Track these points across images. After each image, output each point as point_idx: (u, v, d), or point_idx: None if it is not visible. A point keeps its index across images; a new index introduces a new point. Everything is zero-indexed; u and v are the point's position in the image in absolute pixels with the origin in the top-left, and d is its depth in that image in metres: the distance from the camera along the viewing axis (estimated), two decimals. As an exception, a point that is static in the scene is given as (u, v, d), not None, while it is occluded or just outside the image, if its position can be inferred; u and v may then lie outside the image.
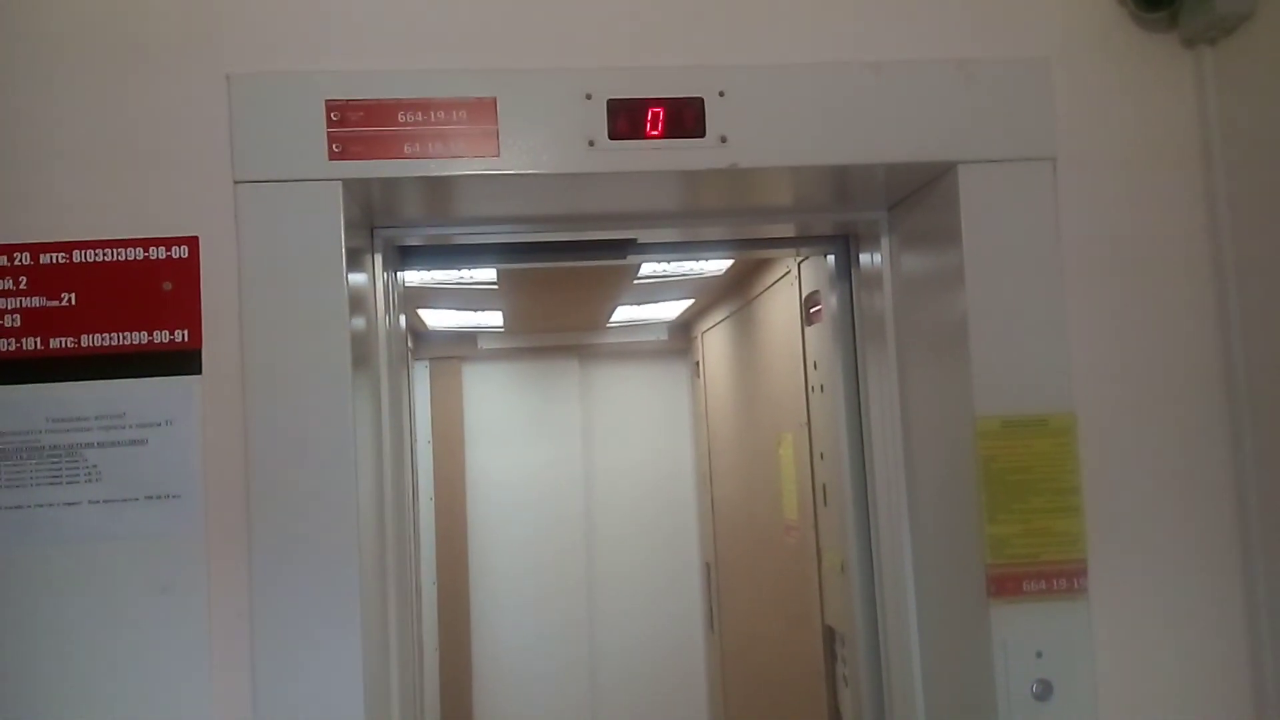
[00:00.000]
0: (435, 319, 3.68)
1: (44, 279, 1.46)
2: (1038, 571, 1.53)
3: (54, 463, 1.44)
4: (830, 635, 2.25)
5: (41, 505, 1.43)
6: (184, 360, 1.46)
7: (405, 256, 1.88)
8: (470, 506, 4.15)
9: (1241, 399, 1.58)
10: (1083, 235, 1.59)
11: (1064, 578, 1.54)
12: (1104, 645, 1.55)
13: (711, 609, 3.93)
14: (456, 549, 4.10)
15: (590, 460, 4.27)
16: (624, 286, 3.17)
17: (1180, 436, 1.61)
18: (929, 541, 1.74)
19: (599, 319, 3.90)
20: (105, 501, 1.44)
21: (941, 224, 1.61)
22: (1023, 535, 1.53)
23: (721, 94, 1.52)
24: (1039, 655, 1.52)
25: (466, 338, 4.09)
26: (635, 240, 1.92)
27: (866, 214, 1.83)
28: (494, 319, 3.78)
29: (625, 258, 1.98)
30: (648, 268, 2.80)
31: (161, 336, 1.46)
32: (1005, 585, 1.53)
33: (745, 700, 3.42)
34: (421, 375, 4.08)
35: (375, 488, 1.64)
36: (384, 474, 1.71)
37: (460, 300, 3.32)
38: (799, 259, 2.34)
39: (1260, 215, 1.55)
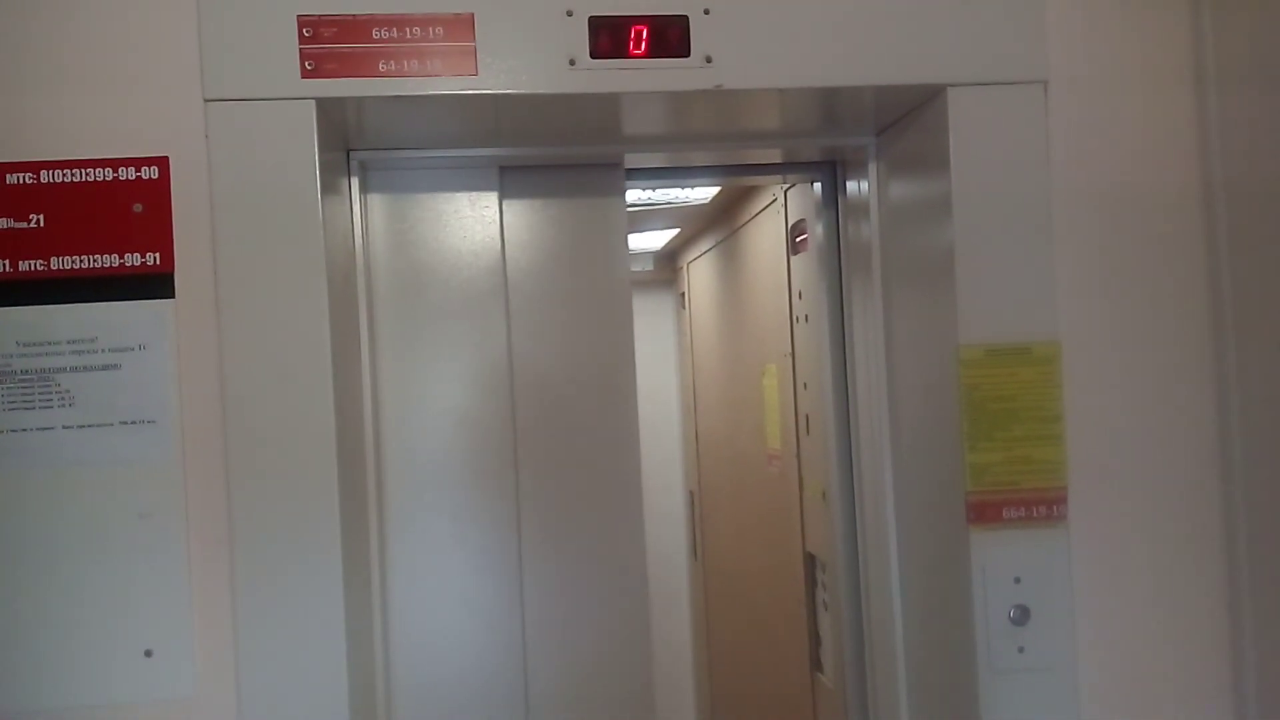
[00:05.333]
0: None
1: (11, 200, 1.42)
2: (1018, 499, 1.54)
3: (25, 387, 1.42)
4: (811, 562, 2.27)
5: (14, 430, 1.41)
6: (156, 284, 1.43)
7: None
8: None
9: (1228, 327, 1.58)
10: (1072, 160, 1.57)
11: (1044, 505, 1.54)
12: (1082, 572, 1.56)
13: (695, 537, 3.97)
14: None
15: (575, 390, 4.26)
16: (609, 215, 3.13)
17: (1165, 366, 1.60)
18: (910, 470, 1.74)
19: (584, 248, 3.85)
20: (80, 427, 1.42)
21: (930, 149, 1.58)
22: (1004, 463, 1.53)
23: (707, 11, 1.48)
24: (1017, 581, 1.53)
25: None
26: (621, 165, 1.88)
27: (854, 139, 1.80)
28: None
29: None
30: (632, 195, 2.75)
31: (133, 259, 1.43)
32: (985, 512, 1.53)
33: (727, 625, 3.46)
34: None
35: (356, 412, 1.63)
36: (365, 399, 1.70)
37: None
38: (785, 187, 2.31)
39: (1253, 139, 1.52)
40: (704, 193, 2.81)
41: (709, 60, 1.48)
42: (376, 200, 1.78)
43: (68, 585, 1.41)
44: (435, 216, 1.79)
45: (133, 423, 1.43)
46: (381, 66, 1.43)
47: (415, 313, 1.78)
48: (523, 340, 1.84)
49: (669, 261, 4.10)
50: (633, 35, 1.47)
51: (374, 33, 1.43)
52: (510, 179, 1.83)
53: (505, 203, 1.82)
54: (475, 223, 1.80)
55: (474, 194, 1.80)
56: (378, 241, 1.77)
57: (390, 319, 1.77)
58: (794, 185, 2.24)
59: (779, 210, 2.39)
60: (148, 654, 1.42)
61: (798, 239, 2.26)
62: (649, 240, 3.74)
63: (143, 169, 1.43)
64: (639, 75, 1.48)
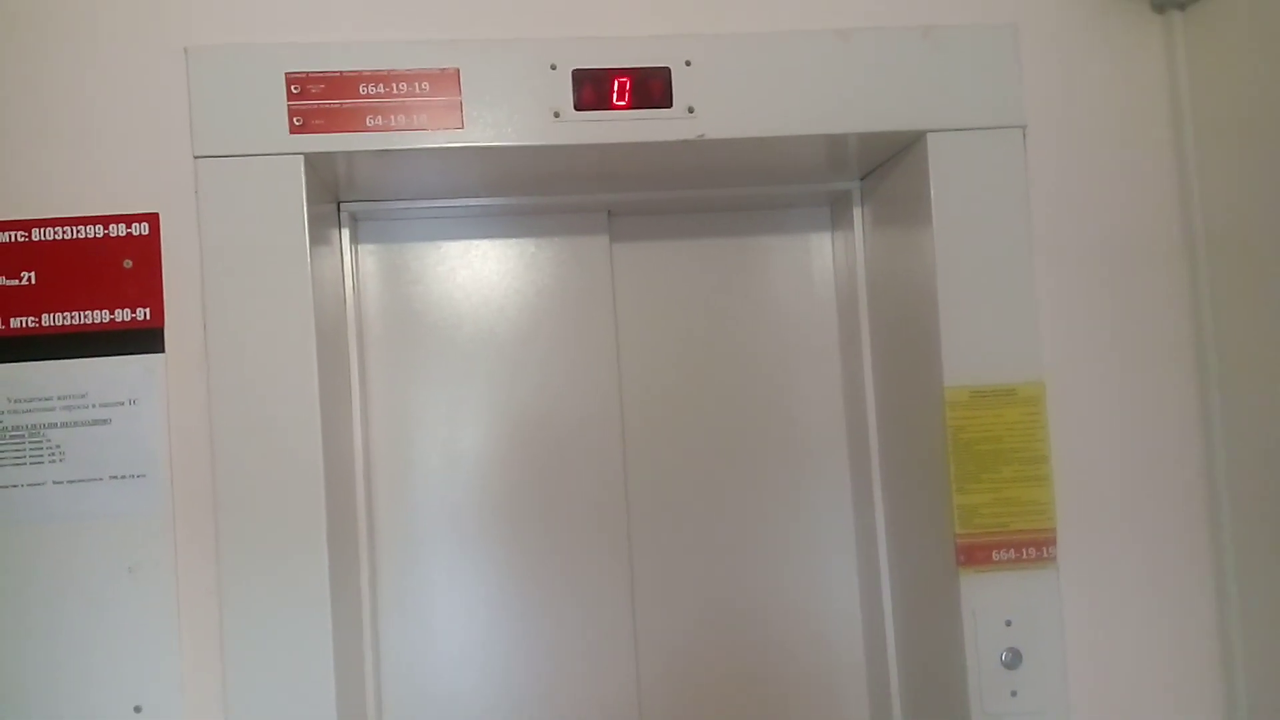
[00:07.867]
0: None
1: (3, 258, 1.44)
2: (1007, 541, 1.53)
3: (17, 443, 1.43)
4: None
5: (5, 486, 1.42)
6: (146, 339, 1.44)
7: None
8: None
9: (1210, 367, 1.58)
10: (1052, 203, 1.58)
11: (1033, 547, 1.54)
12: (1073, 613, 1.56)
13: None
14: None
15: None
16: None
17: (1150, 406, 1.61)
18: (899, 512, 1.74)
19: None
20: (70, 482, 1.43)
21: (911, 193, 1.60)
22: (992, 505, 1.53)
23: (688, 63, 1.50)
24: (1008, 624, 1.53)
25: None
26: (609, 213, 1.90)
27: (839, 184, 1.82)
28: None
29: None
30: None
31: (123, 315, 1.45)
32: (975, 555, 1.53)
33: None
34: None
35: (347, 464, 1.63)
36: (356, 450, 1.70)
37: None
38: (774, 230, 2.32)
39: (1230, 182, 1.54)
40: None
41: (691, 110, 1.50)
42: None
43: (56, 640, 1.41)
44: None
45: (123, 477, 1.43)
46: (369, 121, 1.46)
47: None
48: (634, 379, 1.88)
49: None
50: (616, 87, 1.50)
51: (361, 89, 1.46)
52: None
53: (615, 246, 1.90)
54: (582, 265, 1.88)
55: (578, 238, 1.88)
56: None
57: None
58: (782, 228, 2.26)
59: (769, 253, 2.40)
60: (137, 709, 1.42)
61: (787, 281, 2.27)
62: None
63: (133, 225, 1.45)
64: (622, 126, 1.50)
